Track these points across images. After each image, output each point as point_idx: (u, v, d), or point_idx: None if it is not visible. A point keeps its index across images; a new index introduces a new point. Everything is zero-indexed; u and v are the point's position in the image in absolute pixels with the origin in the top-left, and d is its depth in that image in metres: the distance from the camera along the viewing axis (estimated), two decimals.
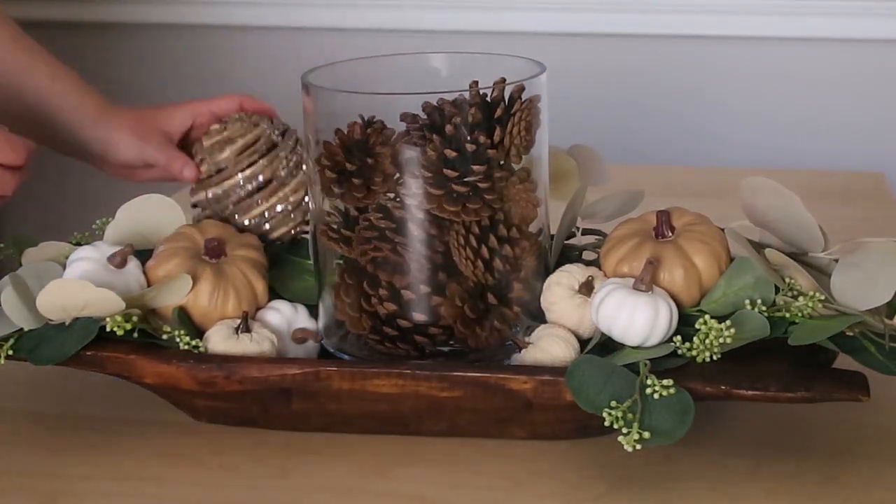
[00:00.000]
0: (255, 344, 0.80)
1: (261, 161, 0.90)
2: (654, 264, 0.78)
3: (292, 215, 0.90)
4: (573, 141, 0.94)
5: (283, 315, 0.84)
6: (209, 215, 0.90)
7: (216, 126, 0.92)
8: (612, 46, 1.68)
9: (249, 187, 0.89)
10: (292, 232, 0.90)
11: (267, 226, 0.89)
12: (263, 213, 0.89)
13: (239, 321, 0.81)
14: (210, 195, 0.90)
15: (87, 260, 0.83)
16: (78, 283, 0.79)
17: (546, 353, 0.78)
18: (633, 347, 0.76)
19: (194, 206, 0.92)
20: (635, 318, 0.75)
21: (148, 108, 0.99)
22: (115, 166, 0.98)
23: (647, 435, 0.70)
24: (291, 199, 0.89)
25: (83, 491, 0.76)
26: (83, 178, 1.87)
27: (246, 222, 0.89)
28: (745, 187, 0.82)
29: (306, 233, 0.89)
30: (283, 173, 0.89)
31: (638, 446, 0.70)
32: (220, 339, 0.80)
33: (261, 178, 0.89)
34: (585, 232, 0.91)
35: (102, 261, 0.83)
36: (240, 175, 0.89)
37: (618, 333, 0.76)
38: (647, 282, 0.76)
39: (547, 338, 0.78)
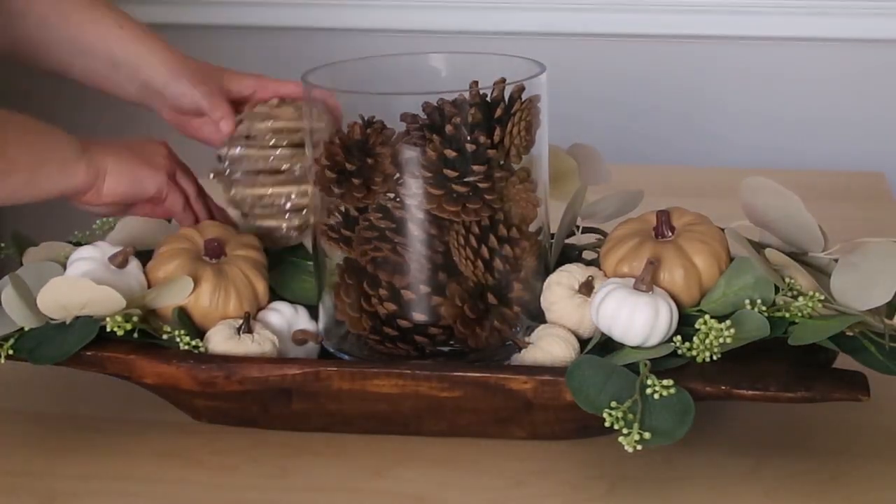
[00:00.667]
0: (256, 345, 0.80)
1: (287, 150, 0.89)
2: (655, 264, 0.78)
3: (286, 215, 0.89)
4: (573, 141, 0.94)
5: (284, 316, 0.84)
6: (221, 171, 0.91)
7: (273, 101, 0.92)
8: (612, 46, 1.68)
9: (262, 165, 0.89)
10: (280, 227, 0.89)
11: (258, 210, 0.89)
12: (261, 196, 0.89)
13: (240, 321, 0.81)
14: (233, 153, 0.90)
15: (87, 260, 0.83)
16: (79, 281, 0.79)
17: (546, 353, 0.78)
18: (632, 347, 0.76)
19: (218, 157, 0.92)
20: (635, 319, 0.75)
21: (217, 66, 1.00)
22: (168, 107, 0.97)
23: (647, 435, 0.70)
24: (293, 198, 0.89)
25: (83, 491, 0.76)
26: None
27: (242, 196, 0.89)
28: (745, 187, 0.82)
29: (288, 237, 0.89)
30: (298, 172, 0.89)
31: (638, 447, 0.70)
32: (221, 339, 0.80)
33: (281, 165, 0.89)
34: (586, 230, 0.91)
35: (103, 261, 0.83)
36: (263, 151, 0.89)
37: (618, 333, 0.76)
38: (647, 282, 0.76)
39: (547, 338, 0.78)
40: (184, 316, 0.81)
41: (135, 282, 0.83)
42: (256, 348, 0.79)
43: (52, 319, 0.80)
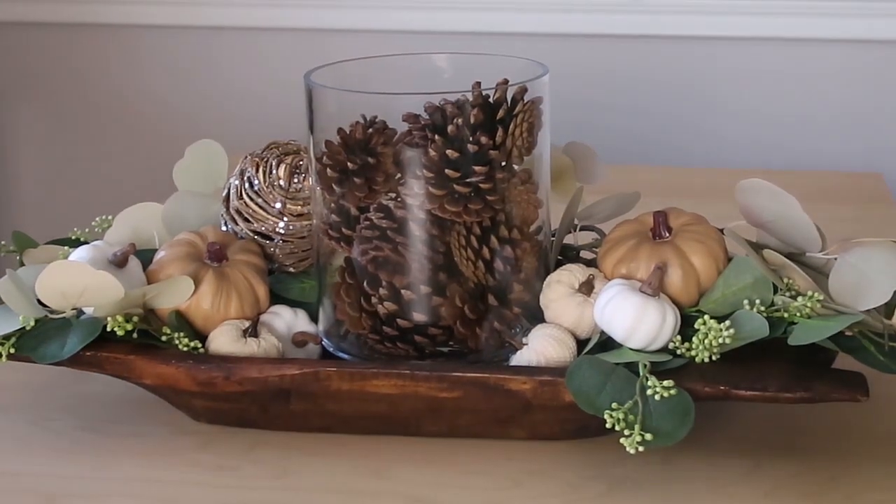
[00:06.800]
0: (262, 351, 0.80)
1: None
2: (663, 269, 0.78)
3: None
4: (571, 140, 0.94)
5: (284, 320, 0.84)
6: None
7: None
8: (611, 46, 1.68)
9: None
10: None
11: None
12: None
13: (243, 323, 0.81)
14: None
15: (87, 258, 0.83)
16: (77, 266, 0.79)
17: (539, 354, 0.78)
18: (634, 350, 0.76)
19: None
20: (643, 322, 0.75)
21: None
22: None
23: (648, 436, 0.70)
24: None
25: (83, 491, 0.76)
26: (82, 180, 1.87)
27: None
28: (741, 189, 0.82)
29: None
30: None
31: (640, 448, 0.70)
32: (227, 341, 0.80)
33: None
34: (584, 229, 0.91)
35: (103, 260, 0.83)
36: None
37: (622, 335, 0.76)
38: (654, 287, 0.76)
39: (541, 338, 0.78)
40: (182, 318, 0.82)
41: (136, 281, 0.83)
42: (262, 353, 0.80)
43: (51, 312, 0.80)
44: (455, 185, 0.77)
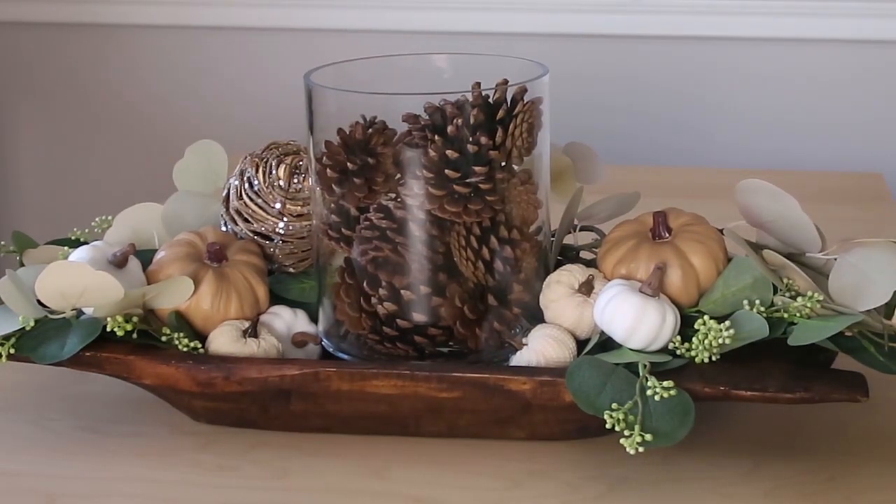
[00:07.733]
0: (262, 351, 0.80)
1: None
2: (663, 269, 0.78)
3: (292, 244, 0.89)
4: (570, 140, 0.94)
5: (284, 320, 0.84)
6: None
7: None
8: (612, 48, 1.69)
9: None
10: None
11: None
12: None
13: (243, 323, 0.81)
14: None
15: (87, 258, 0.83)
16: (77, 266, 0.79)
17: (539, 354, 0.78)
18: (634, 350, 0.76)
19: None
20: (643, 323, 0.75)
21: None
22: None
23: (648, 437, 0.70)
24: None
25: (83, 491, 0.76)
26: (82, 180, 1.87)
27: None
28: (740, 189, 0.82)
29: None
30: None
31: (640, 448, 0.70)
32: (227, 341, 0.80)
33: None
34: (584, 228, 0.91)
35: (103, 260, 0.83)
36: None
37: (622, 336, 0.76)
38: (654, 287, 0.76)
39: (540, 339, 0.78)
40: (182, 318, 0.82)
41: (136, 282, 0.83)
42: (262, 354, 0.80)
43: (51, 312, 0.80)
44: (455, 186, 0.77)
